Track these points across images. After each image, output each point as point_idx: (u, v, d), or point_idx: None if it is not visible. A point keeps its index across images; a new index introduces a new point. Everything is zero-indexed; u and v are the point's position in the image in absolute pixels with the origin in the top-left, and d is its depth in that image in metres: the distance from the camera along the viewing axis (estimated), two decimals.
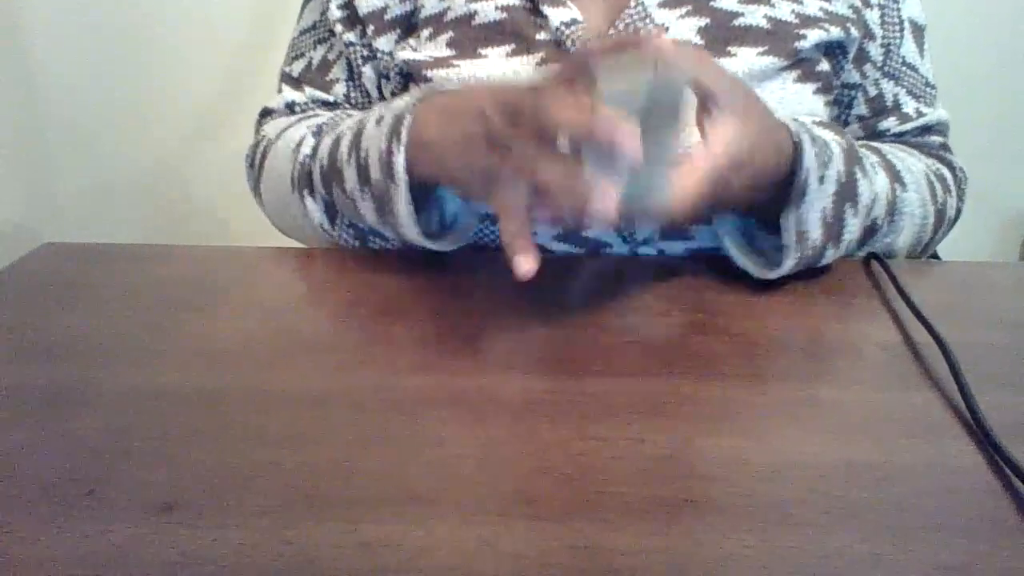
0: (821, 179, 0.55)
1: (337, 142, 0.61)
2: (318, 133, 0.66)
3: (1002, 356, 0.50)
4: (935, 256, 0.75)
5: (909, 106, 0.72)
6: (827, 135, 0.58)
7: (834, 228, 0.57)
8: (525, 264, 0.48)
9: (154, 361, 0.49)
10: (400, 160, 0.54)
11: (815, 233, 0.56)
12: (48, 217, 1.57)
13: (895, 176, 0.64)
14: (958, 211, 0.73)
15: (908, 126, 0.72)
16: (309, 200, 0.64)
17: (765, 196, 0.55)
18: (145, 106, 1.51)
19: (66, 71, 1.50)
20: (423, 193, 0.57)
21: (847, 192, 0.57)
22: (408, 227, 0.57)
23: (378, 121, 0.57)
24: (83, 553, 0.34)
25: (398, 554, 0.34)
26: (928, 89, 0.73)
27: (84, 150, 1.55)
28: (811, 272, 0.60)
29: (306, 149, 0.65)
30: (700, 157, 0.49)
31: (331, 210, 0.64)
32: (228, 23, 1.45)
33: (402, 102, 0.57)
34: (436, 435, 0.41)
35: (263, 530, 0.35)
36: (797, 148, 0.54)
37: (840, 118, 0.73)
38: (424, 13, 0.67)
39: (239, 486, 0.38)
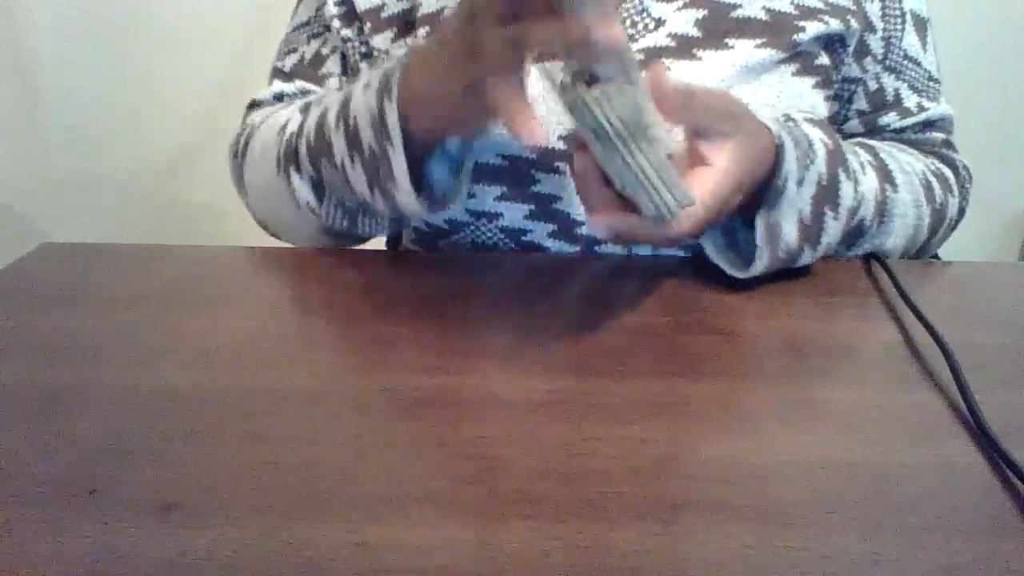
0: (800, 181, 0.55)
1: (324, 115, 0.60)
2: (304, 110, 0.64)
3: (1002, 356, 0.50)
4: (935, 256, 0.75)
5: (910, 100, 0.72)
6: (814, 134, 0.58)
7: (812, 230, 0.57)
8: (533, 130, 0.45)
9: (154, 361, 0.49)
10: (393, 116, 0.53)
11: (790, 235, 0.56)
12: (47, 217, 1.57)
13: (886, 176, 0.64)
14: (961, 211, 0.73)
15: (909, 121, 0.72)
16: (296, 178, 0.63)
17: (750, 198, 0.55)
18: (145, 106, 1.51)
19: (66, 71, 1.50)
20: (413, 164, 0.56)
21: (828, 195, 0.57)
22: (403, 187, 0.55)
23: (365, 86, 0.56)
24: (83, 553, 0.34)
25: (398, 554, 0.34)
26: (931, 83, 0.72)
27: (83, 150, 1.55)
28: (811, 272, 0.60)
29: (292, 127, 0.64)
30: (710, 187, 0.49)
31: (319, 188, 0.62)
32: (228, 22, 1.45)
33: (389, 64, 0.56)
34: (436, 435, 0.41)
35: (263, 530, 0.35)
36: (778, 151, 0.54)
37: (840, 113, 0.73)
38: (421, 11, 0.66)
39: (239, 486, 0.38)
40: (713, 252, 0.58)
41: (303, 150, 0.62)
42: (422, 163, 0.58)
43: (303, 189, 0.63)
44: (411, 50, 0.56)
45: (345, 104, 0.58)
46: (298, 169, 0.63)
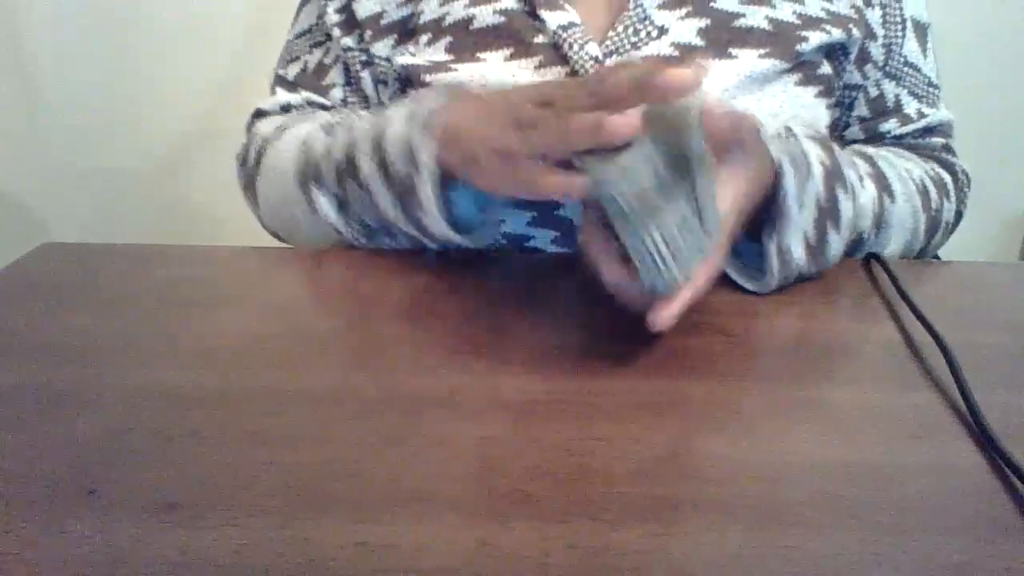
0: (801, 203, 0.55)
1: (353, 140, 0.60)
2: (330, 131, 0.65)
3: (1002, 356, 0.50)
4: (935, 256, 0.75)
5: (911, 107, 0.72)
6: (812, 152, 0.57)
7: (816, 247, 0.57)
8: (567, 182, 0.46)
9: (154, 361, 0.49)
10: (431, 147, 0.54)
11: (798, 254, 0.56)
12: (47, 216, 1.57)
13: (884, 187, 0.64)
14: (959, 215, 0.73)
15: (909, 127, 0.72)
16: (317, 194, 0.63)
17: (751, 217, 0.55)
18: (145, 106, 1.52)
19: (66, 70, 1.50)
20: (442, 189, 0.57)
21: (829, 212, 0.57)
22: (433, 215, 0.56)
23: (408, 118, 0.57)
24: (83, 553, 0.34)
25: (398, 554, 0.34)
26: (931, 89, 0.72)
27: (84, 150, 1.55)
28: None
29: (319, 148, 0.64)
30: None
31: (342, 206, 0.63)
32: (228, 22, 1.45)
33: (435, 99, 0.56)
34: (436, 435, 0.41)
35: (263, 530, 0.35)
36: (777, 174, 0.54)
37: (841, 120, 0.73)
38: (423, 19, 0.66)
39: (239, 486, 0.38)
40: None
41: (328, 170, 0.62)
42: (450, 188, 0.58)
43: (326, 206, 0.64)
44: (460, 92, 0.56)
45: (380, 129, 0.58)
46: (320, 186, 0.63)
